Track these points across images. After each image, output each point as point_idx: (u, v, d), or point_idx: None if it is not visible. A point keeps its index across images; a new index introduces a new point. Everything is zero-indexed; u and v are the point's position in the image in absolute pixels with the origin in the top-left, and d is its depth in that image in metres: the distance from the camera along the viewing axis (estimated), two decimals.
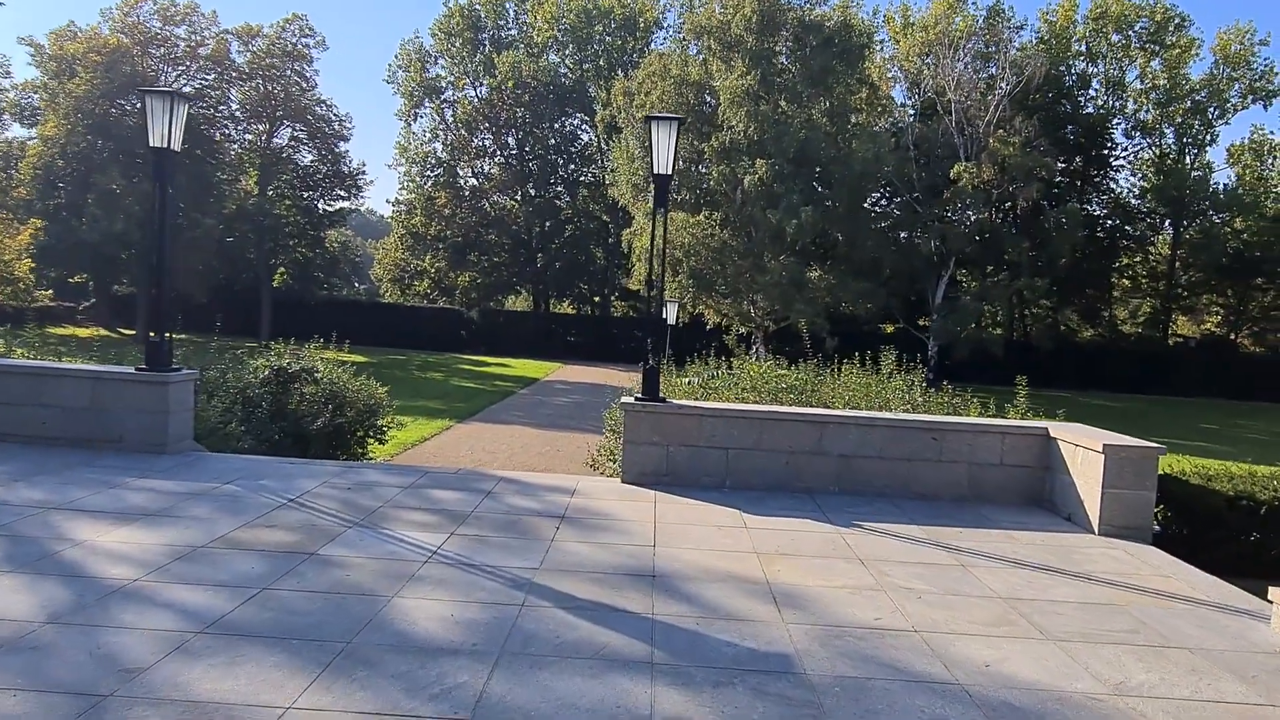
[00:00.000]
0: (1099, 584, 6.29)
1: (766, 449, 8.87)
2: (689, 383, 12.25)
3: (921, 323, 44.69)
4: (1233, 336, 55.75)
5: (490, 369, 40.58)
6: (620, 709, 3.94)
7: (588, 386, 35.08)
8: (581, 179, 57.61)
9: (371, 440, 14.59)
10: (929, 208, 41.68)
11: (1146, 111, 53.22)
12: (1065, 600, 5.86)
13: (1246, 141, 55.28)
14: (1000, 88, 40.42)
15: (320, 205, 50.92)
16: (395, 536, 6.53)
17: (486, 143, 56.57)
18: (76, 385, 9.11)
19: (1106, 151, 52.86)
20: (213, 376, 12.13)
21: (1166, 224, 53.78)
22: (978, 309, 41.94)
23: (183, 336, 35.52)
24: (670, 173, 8.83)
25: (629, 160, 39.54)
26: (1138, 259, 55.31)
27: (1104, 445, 7.68)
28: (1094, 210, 51.97)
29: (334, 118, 48.69)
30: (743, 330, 39.52)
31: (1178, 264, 53.50)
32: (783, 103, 34.66)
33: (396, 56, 56.92)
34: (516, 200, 56.78)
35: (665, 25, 56.19)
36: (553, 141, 56.51)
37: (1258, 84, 51.95)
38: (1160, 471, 7.99)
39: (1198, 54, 51.83)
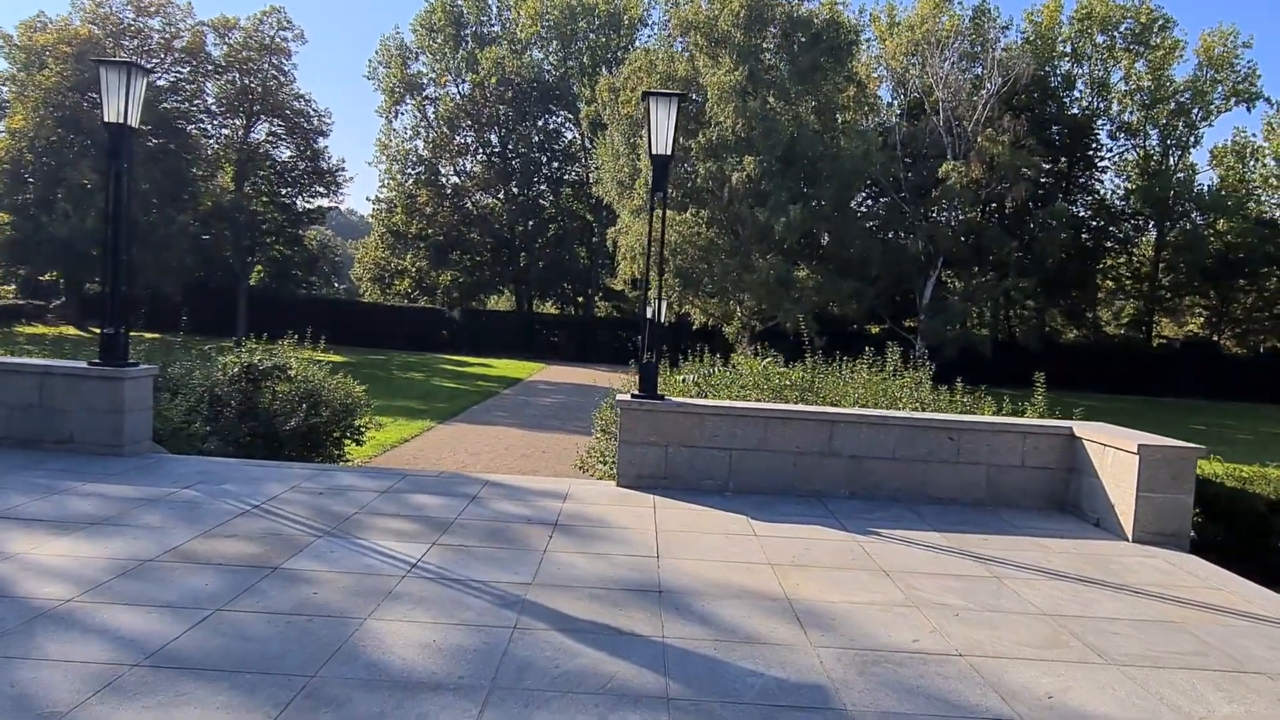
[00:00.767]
0: (1147, 598, 5.72)
1: (773, 450, 8.27)
2: (683, 380, 11.63)
3: (907, 323, 44.33)
4: (1215, 338, 55.87)
5: (472, 369, 39.80)
6: None
7: (571, 387, 34.42)
8: (565, 177, 56.87)
9: (349, 441, 13.87)
10: (916, 207, 41.36)
11: (1131, 113, 53.18)
12: (1116, 617, 5.28)
13: (1229, 143, 55.45)
14: (988, 87, 40.16)
15: (299, 202, 49.85)
16: (370, 547, 5.87)
17: (469, 140, 55.71)
18: (22, 381, 8.37)
19: (1091, 153, 52.79)
20: (177, 373, 11.40)
21: (1150, 226, 53.79)
22: (965, 309, 41.64)
23: (155, 335, 34.58)
24: (670, 153, 8.22)
25: (614, 157, 38.92)
26: (1121, 260, 55.30)
27: (1139, 446, 7.13)
28: (1079, 212, 51.86)
29: (313, 113, 47.69)
30: (729, 330, 39.02)
31: (1161, 265, 53.50)
32: (771, 99, 34.14)
33: (377, 52, 56.17)
34: (499, 199, 55.98)
35: (650, 23, 55.67)
36: (536, 139, 55.74)
37: (1241, 86, 52.00)
38: None
39: (1181, 56, 51.84)
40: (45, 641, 4.07)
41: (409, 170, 55.42)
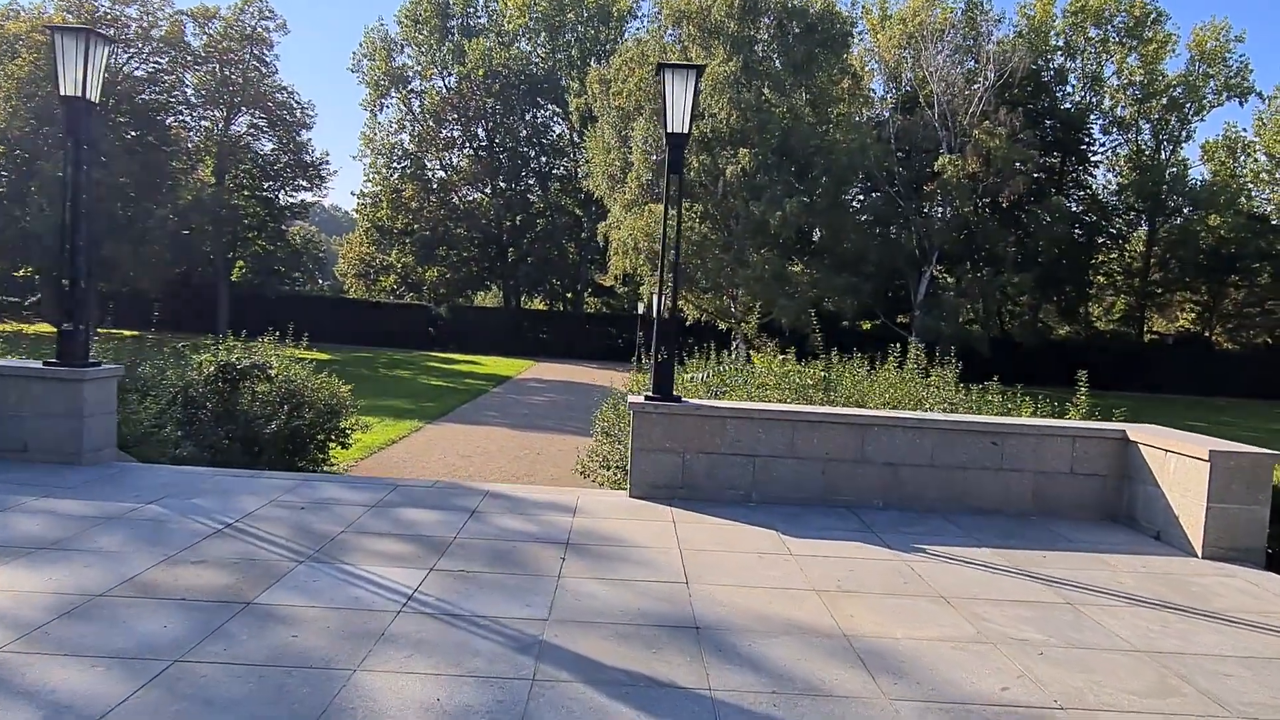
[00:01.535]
0: (1245, 628, 5.04)
1: (800, 456, 7.56)
2: (691, 379, 10.92)
3: (900, 319, 43.75)
4: (1206, 334, 55.68)
5: (460, 367, 38.95)
6: None
7: (562, 385, 33.68)
8: (553, 172, 55.99)
9: (333, 444, 13.09)
10: (910, 202, 40.81)
11: (1123, 108, 52.81)
12: (1221, 653, 4.60)
13: (1220, 139, 55.21)
14: (983, 80, 39.60)
15: (281, 196, 48.73)
16: (359, 574, 5.12)
17: (455, 134, 54.72)
18: None
19: (1084, 147, 52.34)
20: (147, 373, 10.58)
21: (1142, 221, 53.49)
22: (961, 305, 41.14)
23: (133, 333, 33.53)
24: (688, 131, 7.49)
25: (605, 151, 38.14)
26: (1113, 256, 54.95)
27: (1210, 452, 6.46)
28: (1072, 207, 51.46)
29: (295, 105, 46.54)
30: (722, 327, 38.36)
31: (1153, 261, 53.21)
32: (766, 90, 33.45)
33: (361, 44, 55.11)
34: (486, 194, 55.06)
35: (639, 15, 54.84)
36: (524, 133, 54.84)
37: (1233, 81, 51.72)
38: None
39: (1174, 50, 51.47)
40: None
41: (394, 164, 54.42)
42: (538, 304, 58.99)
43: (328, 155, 70.21)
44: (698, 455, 7.54)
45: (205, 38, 44.02)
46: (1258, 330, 54.83)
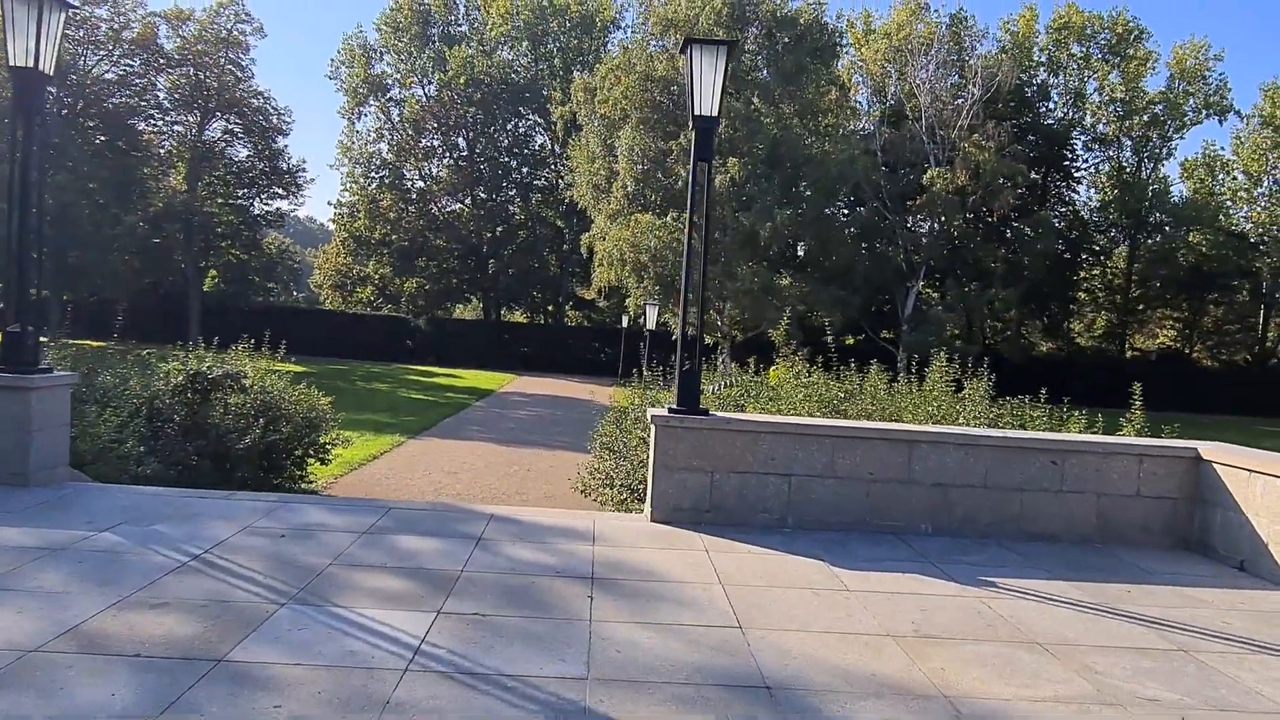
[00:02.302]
0: None
1: (840, 476, 6.80)
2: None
3: (885, 334, 43.31)
4: (1187, 350, 55.81)
5: (440, 380, 37.96)
6: None
7: (546, 399, 32.83)
8: (535, 183, 55.25)
9: (312, 460, 12.19)
10: (897, 215, 40.45)
11: (1106, 124, 52.99)
12: None
13: (1200, 156, 55.54)
14: (971, 93, 39.37)
15: (256, 205, 47.60)
16: (353, 620, 4.27)
17: (435, 143, 53.90)
18: None
19: (1068, 163, 52.41)
20: (108, 382, 9.64)
21: (1124, 238, 53.60)
22: (949, 319, 40.78)
23: (100, 344, 32.25)
24: (717, 115, 6.76)
25: (589, 160, 37.47)
26: (1096, 272, 54.98)
27: None
28: (1056, 223, 51.45)
29: (272, 110, 45.53)
30: (708, 340, 37.68)
31: (1134, 277, 53.27)
32: (755, 100, 32.95)
33: (339, 51, 54.02)
34: (466, 204, 54.19)
35: (623, 25, 54.32)
36: (505, 143, 54.09)
37: (1212, 99, 52.04)
38: None
39: (1154, 68, 51.73)
40: None
41: (372, 174, 53.46)
42: (519, 316, 58.13)
43: (304, 163, 68.99)
44: (728, 474, 6.76)
45: (179, 40, 42.96)
46: (1237, 347, 55.07)
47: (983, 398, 9.07)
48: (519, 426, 23.58)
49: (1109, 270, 55.19)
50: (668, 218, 34.00)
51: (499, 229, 53.88)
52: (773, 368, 10.38)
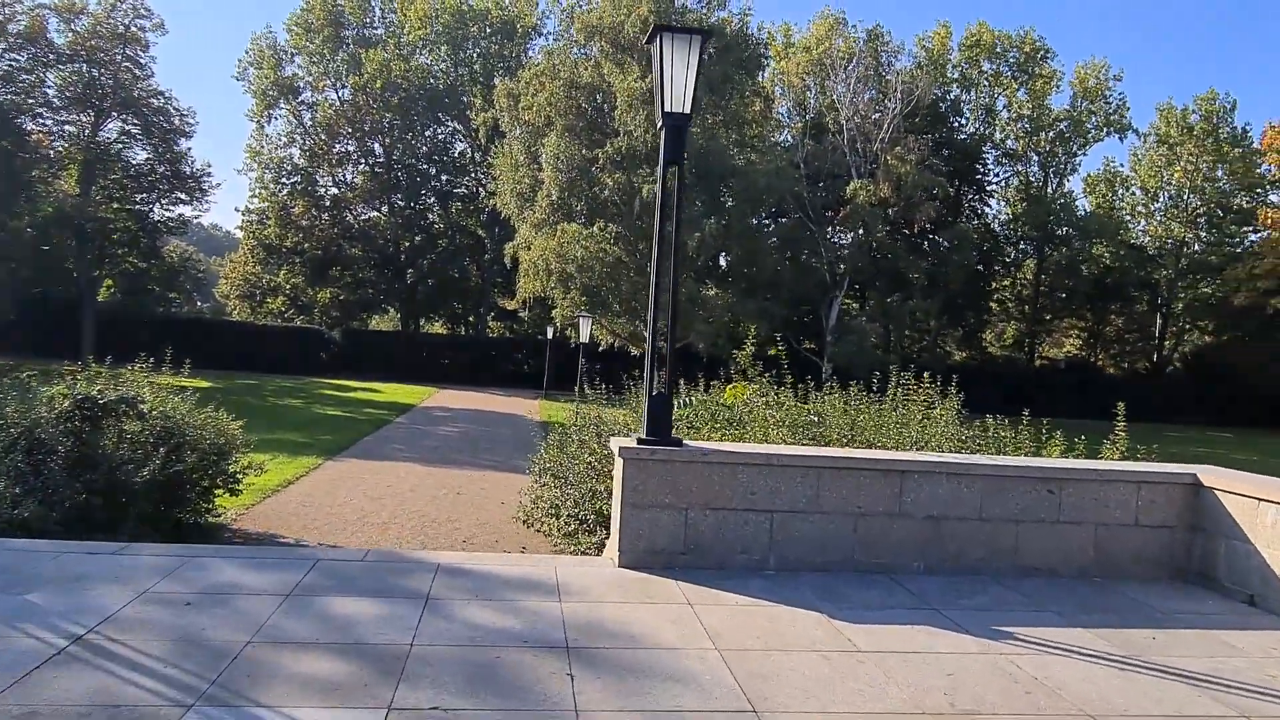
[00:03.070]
0: None
1: (826, 511, 6.19)
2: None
3: (807, 346, 43.47)
4: (1092, 359, 57.97)
5: (357, 394, 36.29)
6: None
7: (470, 413, 31.63)
8: (455, 191, 53.81)
9: (220, 491, 11.01)
10: (821, 227, 40.70)
11: (1014, 140, 54.70)
12: None
13: (1101, 172, 57.93)
14: (891, 106, 39.91)
15: (156, 210, 44.89)
16: None
17: (350, 149, 51.93)
18: None
19: (980, 177, 53.83)
20: None
21: (1033, 250, 55.34)
22: (871, 330, 41.19)
23: None
24: (689, 112, 6.10)
25: (513, 168, 36.51)
26: (1006, 283, 56.61)
27: None
28: (972, 236, 52.76)
29: (174, 111, 42.98)
30: (634, 352, 37.08)
31: (1042, 288, 55.03)
32: None
33: (247, 51, 51.65)
34: (383, 212, 52.39)
35: (545, 32, 53.49)
36: (424, 150, 52.54)
37: (1113, 117, 54.30)
38: None
39: (1059, 86, 53.67)
40: None
41: (283, 180, 51.18)
42: (438, 328, 56.52)
43: (209, 167, 65.79)
44: (704, 512, 6.07)
45: (71, 35, 40.18)
46: (1138, 355, 57.48)
47: (952, 419, 8.62)
48: (444, 444, 22.45)
49: (1018, 281, 56.94)
50: (595, 227, 33.32)
51: (417, 238, 52.28)
52: (730, 386, 9.71)
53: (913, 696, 4.06)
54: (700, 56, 6.04)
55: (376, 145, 51.65)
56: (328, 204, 51.27)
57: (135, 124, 42.25)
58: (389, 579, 5.42)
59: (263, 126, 50.97)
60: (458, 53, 51.81)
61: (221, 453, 10.71)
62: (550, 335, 39.76)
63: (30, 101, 39.43)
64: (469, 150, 52.81)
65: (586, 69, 34.96)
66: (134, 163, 43.36)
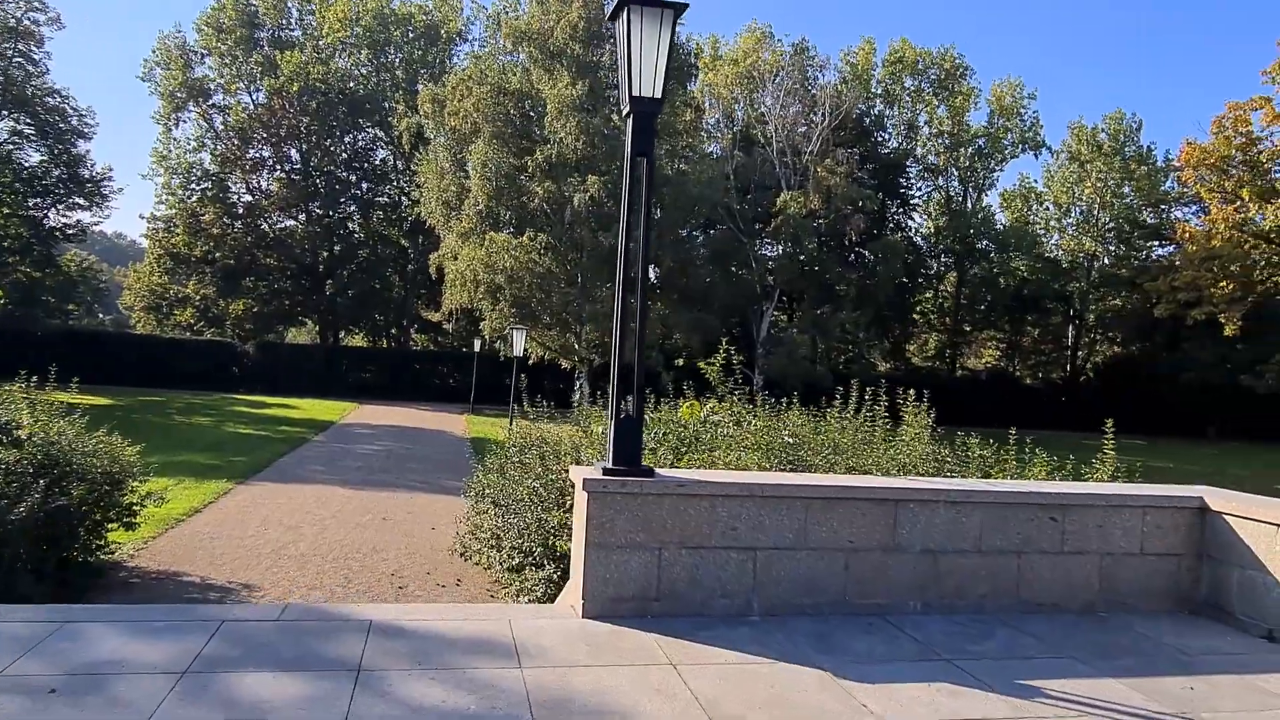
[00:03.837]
0: None
1: (815, 547, 5.50)
2: (602, 431, 8.68)
3: (738, 358, 43.28)
4: (1010, 369, 59.42)
5: (272, 411, 34.46)
6: None
7: (393, 430, 30.24)
8: (377, 199, 52.10)
9: (113, 526, 9.79)
10: (752, 239, 40.58)
11: (935, 155, 55.80)
12: None
13: (1017, 188, 59.58)
14: (817, 119, 40.09)
15: (51, 216, 42.09)
16: None
17: (265, 154, 49.75)
18: None
19: (904, 191, 54.70)
20: None
21: (954, 263, 56.49)
22: (802, 342, 41.19)
23: None
24: (660, 97, 5.39)
25: (438, 176, 35.36)
26: (929, 295, 57.65)
27: None
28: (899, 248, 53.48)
29: (71, 111, 40.43)
30: (565, 365, 36.21)
31: (963, 301, 56.20)
32: (615, 117, 31.93)
33: (154, 51, 49.04)
34: (300, 220, 50.32)
35: (470, 38, 52.35)
36: (343, 156, 50.71)
37: (1028, 134, 55.93)
38: None
39: (977, 103, 55.00)
40: None
41: (192, 185, 48.69)
42: (359, 341, 54.57)
43: (110, 171, 62.34)
44: (679, 551, 5.32)
45: None
46: (1053, 366, 59.18)
47: (923, 437, 8.06)
48: (367, 464, 21.17)
49: (940, 293, 58.06)
50: (524, 237, 32.38)
51: (336, 247, 50.38)
52: (685, 404, 9.00)
53: None
54: (673, 33, 5.32)
55: (293, 151, 49.65)
56: (241, 211, 49.00)
57: (28, 124, 39.59)
58: (311, 644, 4.51)
59: (170, 130, 48.48)
60: (379, 57, 50.27)
61: (115, 481, 9.55)
62: (478, 348, 38.58)
63: None
64: (391, 158, 51.23)
65: (515, 75, 34.10)
66: (26, 165, 40.58)
